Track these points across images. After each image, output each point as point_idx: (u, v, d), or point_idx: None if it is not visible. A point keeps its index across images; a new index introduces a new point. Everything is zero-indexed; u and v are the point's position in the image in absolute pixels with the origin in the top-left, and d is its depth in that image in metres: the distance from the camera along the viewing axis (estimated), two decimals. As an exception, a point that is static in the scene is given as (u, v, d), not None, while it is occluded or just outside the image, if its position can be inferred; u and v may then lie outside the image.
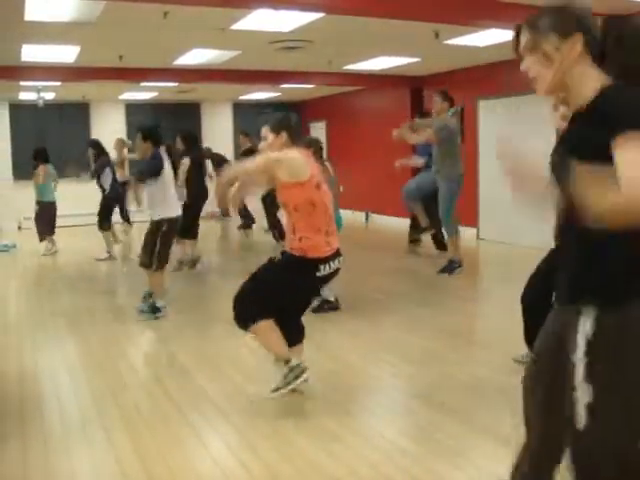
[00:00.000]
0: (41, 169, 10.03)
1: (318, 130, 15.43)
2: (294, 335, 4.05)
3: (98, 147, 9.92)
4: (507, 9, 6.46)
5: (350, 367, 4.74)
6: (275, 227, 10.31)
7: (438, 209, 7.92)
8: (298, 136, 3.97)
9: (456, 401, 4.02)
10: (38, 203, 10.23)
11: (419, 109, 11.92)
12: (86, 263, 9.80)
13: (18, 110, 13.67)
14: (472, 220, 10.56)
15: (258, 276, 3.89)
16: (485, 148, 10.59)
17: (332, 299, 6.12)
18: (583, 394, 1.80)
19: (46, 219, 10.20)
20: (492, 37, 7.84)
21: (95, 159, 9.84)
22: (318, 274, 3.73)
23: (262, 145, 3.96)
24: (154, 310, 6.24)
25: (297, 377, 3.86)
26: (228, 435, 3.65)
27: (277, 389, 3.89)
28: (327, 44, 8.33)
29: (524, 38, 1.96)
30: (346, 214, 8.90)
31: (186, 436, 3.62)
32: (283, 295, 3.83)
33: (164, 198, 6.21)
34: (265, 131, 3.94)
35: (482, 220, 10.81)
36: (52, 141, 13.47)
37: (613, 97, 1.76)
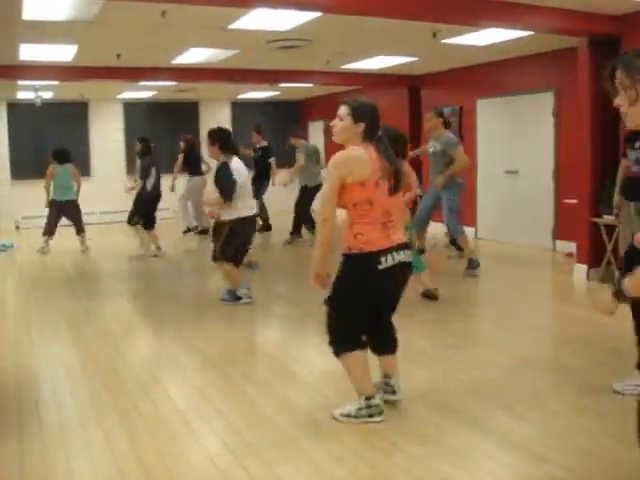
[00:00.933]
0: (49, 169, 10.25)
1: (317, 129, 15.43)
2: (385, 343, 3.92)
3: (146, 145, 9.97)
4: (505, 8, 6.46)
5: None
6: (307, 221, 10.38)
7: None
8: (374, 133, 3.57)
9: (456, 401, 4.02)
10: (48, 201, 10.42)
11: (417, 108, 11.95)
12: (84, 262, 9.79)
13: (16, 109, 13.66)
14: (470, 219, 10.56)
15: (334, 295, 3.64)
16: (483, 148, 10.59)
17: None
18: None
19: (50, 218, 10.37)
20: (490, 36, 7.83)
21: (142, 156, 9.91)
22: (380, 267, 3.48)
23: (334, 123, 3.61)
24: (235, 298, 6.68)
25: (371, 416, 3.69)
26: (226, 435, 3.64)
27: (348, 416, 3.73)
28: (325, 43, 8.33)
29: (619, 75, 2.14)
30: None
31: (184, 435, 3.62)
32: (359, 302, 3.61)
33: (235, 201, 6.41)
34: (343, 110, 3.57)
35: (480, 219, 10.81)
36: (50, 140, 13.47)
37: None
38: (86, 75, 9.85)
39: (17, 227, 13.66)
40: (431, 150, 7.98)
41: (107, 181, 14.24)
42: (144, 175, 9.81)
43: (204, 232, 11.61)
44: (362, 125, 3.52)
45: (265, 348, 5.37)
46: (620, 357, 4.77)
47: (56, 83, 10.89)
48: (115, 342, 5.49)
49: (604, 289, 2.27)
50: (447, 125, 8.03)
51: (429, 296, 6.60)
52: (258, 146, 11.78)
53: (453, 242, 8.93)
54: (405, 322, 5.84)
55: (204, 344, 5.36)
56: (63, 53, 8.39)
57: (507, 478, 3.13)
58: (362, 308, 3.63)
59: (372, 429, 3.64)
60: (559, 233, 9.29)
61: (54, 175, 10.24)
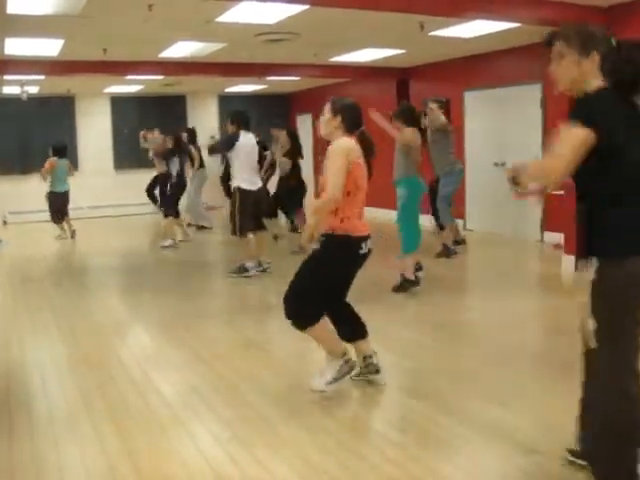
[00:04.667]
0: (50, 161, 11.03)
1: (304, 123, 15.40)
2: (354, 329, 4.15)
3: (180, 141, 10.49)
4: (491, 0, 6.47)
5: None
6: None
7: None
8: (353, 123, 3.97)
9: (445, 392, 4.04)
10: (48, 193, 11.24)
11: (406, 101, 11.93)
12: (75, 257, 9.76)
13: (1, 104, 13.52)
14: (459, 211, 10.58)
15: (306, 272, 3.94)
16: (471, 140, 10.61)
17: None
18: None
19: (54, 207, 11.19)
20: (477, 28, 7.84)
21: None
22: (360, 252, 3.85)
23: (321, 118, 4.03)
24: (241, 270, 7.48)
25: (351, 369, 4.02)
26: (217, 430, 3.64)
27: (334, 381, 3.97)
28: (313, 36, 8.31)
29: (556, 47, 2.59)
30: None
31: (175, 431, 3.62)
32: (334, 281, 3.95)
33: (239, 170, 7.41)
34: (326, 107, 4.01)
35: (469, 211, 10.84)
36: (37, 135, 13.40)
37: (583, 97, 2.51)
38: (72, 69, 9.78)
39: (5, 222, 13.59)
40: (431, 139, 8.35)
41: (95, 176, 14.18)
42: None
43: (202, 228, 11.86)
44: (339, 117, 3.91)
45: (257, 343, 5.37)
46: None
47: (42, 77, 10.81)
48: (105, 338, 5.48)
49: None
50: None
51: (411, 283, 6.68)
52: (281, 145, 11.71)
53: (441, 227, 9.14)
54: (391, 314, 5.88)
55: (195, 339, 5.35)
56: (49, 47, 8.33)
57: (495, 468, 3.15)
58: (335, 286, 3.97)
59: (362, 422, 3.65)
60: (547, 224, 9.33)
61: (54, 168, 10.99)
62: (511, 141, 9.83)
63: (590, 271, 2.51)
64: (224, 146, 7.63)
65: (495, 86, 10.01)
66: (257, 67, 10.99)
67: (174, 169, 10.13)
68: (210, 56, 9.52)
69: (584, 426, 2.76)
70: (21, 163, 13.61)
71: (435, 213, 9.11)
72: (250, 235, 7.59)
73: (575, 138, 2.37)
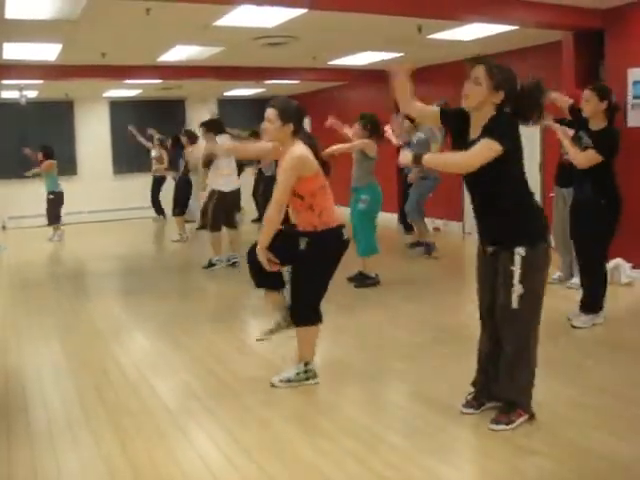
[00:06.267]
0: (50, 162, 11.49)
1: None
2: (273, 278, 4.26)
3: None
4: (490, 3, 6.48)
5: (336, 362, 4.74)
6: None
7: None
8: (302, 127, 4.09)
9: (444, 396, 4.03)
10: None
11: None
12: (73, 262, 9.75)
13: (0, 109, 13.54)
14: (457, 215, 10.58)
15: (302, 278, 4.09)
16: (470, 142, 10.60)
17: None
18: None
19: (59, 207, 11.57)
20: (475, 31, 7.85)
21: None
22: (343, 238, 4.05)
23: (264, 126, 3.98)
24: (210, 265, 8.21)
25: (307, 379, 4.20)
26: (215, 433, 3.64)
27: (287, 381, 4.20)
28: (311, 40, 8.31)
29: (476, 71, 3.33)
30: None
31: (173, 434, 3.61)
32: (327, 274, 4.12)
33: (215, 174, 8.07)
34: (272, 114, 3.94)
35: (467, 215, 10.83)
36: (35, 140, 13.38)
37: (494, 119, 3.29)
38: (71, 74, 9.79)
39: (4, 227, 13.58)
40: (415, 141, 8.31)
41: (94, 180, 14.19)
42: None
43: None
44: (291, 125, 3.95)
45: (255, 346, 5.36)
46: (605, 346, 4.83)
47: (41, 82, 10.82)
48: (104, 341, 5.47)
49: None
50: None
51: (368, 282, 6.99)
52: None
53: (408, 227, 9.63)
54: (391, 317, 5.87)
55: (193, 342, 5.35)
56: (47, 52, 8.33)
57: (495, 471, 3.14)
58: (327, 278, 4.12)
59: (361, 426, 3.65)
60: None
61: (51, 168, 11.41)
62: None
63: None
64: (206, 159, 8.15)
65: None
66: (255, 71, 10.99)
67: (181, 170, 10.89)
68: (208, 60, 9.53)
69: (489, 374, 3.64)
70: (19, 168, 13.58)
71: (402, 215, 9.35)
72: (218, 232, 8.19)
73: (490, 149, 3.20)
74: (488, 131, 3.23)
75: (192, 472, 3.19)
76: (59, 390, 4.39)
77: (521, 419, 3.48)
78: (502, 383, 3.54)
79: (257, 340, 4.69)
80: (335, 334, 5.35)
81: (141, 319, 6.26)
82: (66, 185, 12.05)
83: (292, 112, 3.97)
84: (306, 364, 4.21)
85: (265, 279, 4.20)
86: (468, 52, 9.59)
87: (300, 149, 3.94)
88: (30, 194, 12.75)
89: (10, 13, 6.16)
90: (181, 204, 10.92)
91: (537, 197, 10.27)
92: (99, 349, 5.27)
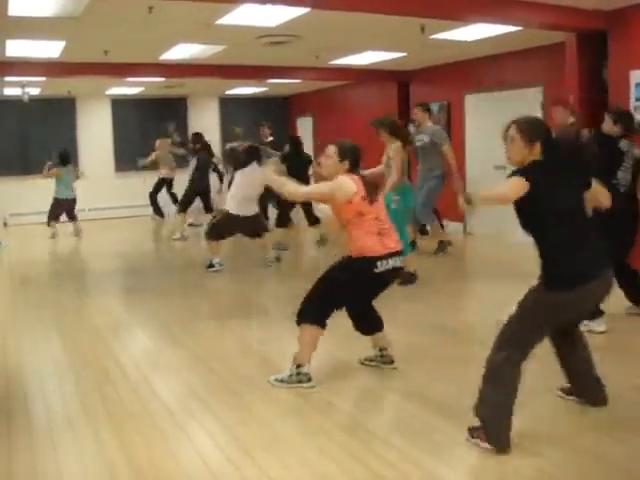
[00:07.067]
0: (54, 170, 11.53)
1: (305, 125, 15.40)
2: (371, 325, 4.50)
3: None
4: (493, 4, 6.47)
5: (337, 363, 4.74)
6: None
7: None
8: (356, 165, 4.26)
9: (444, 397, 4.03)
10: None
11: (406, 104, 11.94)
12: (75, 259, 9.76)
13: (3, 106, 13.52)
14: (459, 215, 10.57)
15: (327, 278, 4.25)
16: (472, 143, 10.60)
17: None
18: None
19: (54, 212, 11.64)
20: (478, 32, 7.84)
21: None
22: (376, 270, 4.09)
23: (323, 160, 4.31)
24: (210, 266, 8.17)
25: (300, 382, 4.20)
26: (216, 432, 3.64)
27: (281, 381, 4.24)
28: (314, 39, 8.31)
29: (511, 131, 3.43)
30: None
31: (174, 434, 3.62)
32: (347, 293, 4.22)
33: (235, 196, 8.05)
34: (332, 151, 4.24)
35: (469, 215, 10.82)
36: (38, 137, 13.39)
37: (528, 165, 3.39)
38: (73, 71, 9.78)
39: (5, 224, 13.58)
40: (419, 144, 8.23)
41: (95, 178, 14.16)
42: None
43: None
44: (346, 163, 4.20)
45: (255, 345, 5.37)
46: (612, 349, 4.81)
47: (43, 79, 10.81)
48: (104, 340, 5.47)
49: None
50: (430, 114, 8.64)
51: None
52: (266, 141, 11.70)
53: (423, 231, 9.42)
54: (391, 318, 5.87)
55: (193, 341, 5.35)
56: (50, 49, 8.32)
57: (495, 472, 3.14)
58: (347, 298, 4.26)
59: (361, 425, 3.65)
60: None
61: (58, 176, 11.44)
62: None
63: None
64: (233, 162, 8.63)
65: (496, 89, 10.00)
66: (258, 69, 10.99)
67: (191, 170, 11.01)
68: (211, 58, 9.52)
69: None
70: (22, 165, 13.59)
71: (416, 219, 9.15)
72: (215, 242, 8.22)
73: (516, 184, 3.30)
74: (519, 171, 3.35)
75: (192, 470, 3.19)
76: (59, 388, 4.39)
77: (482, 444, 3.28)
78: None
79: (359, 363, 4.67)
80: (334, 334, 5.35)
81: (142, 317, 6.26)
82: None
83: (349, 151, 4.23)
84: (298, 366, 4.21)
85: (366, 327, 4.49)
86: (471, 52, 9.68)
87: (346, 177, 4.15)
88: (32, 191, 12.76)
89: (13, 10, 6.16)
90: (185, 202, 10.91)
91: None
92: (100, 347, 5.27)
